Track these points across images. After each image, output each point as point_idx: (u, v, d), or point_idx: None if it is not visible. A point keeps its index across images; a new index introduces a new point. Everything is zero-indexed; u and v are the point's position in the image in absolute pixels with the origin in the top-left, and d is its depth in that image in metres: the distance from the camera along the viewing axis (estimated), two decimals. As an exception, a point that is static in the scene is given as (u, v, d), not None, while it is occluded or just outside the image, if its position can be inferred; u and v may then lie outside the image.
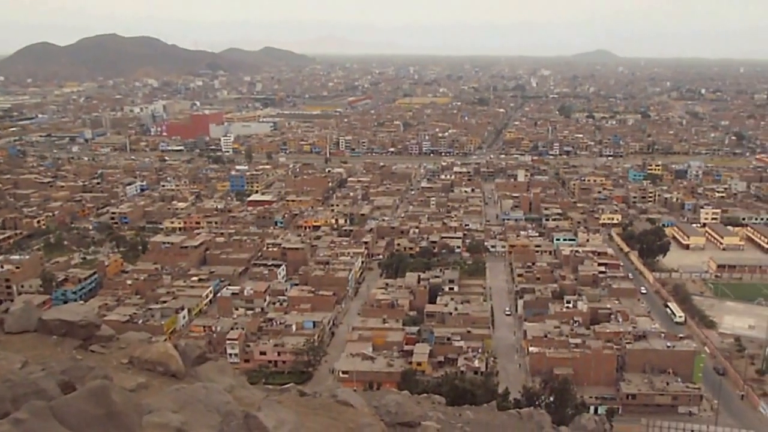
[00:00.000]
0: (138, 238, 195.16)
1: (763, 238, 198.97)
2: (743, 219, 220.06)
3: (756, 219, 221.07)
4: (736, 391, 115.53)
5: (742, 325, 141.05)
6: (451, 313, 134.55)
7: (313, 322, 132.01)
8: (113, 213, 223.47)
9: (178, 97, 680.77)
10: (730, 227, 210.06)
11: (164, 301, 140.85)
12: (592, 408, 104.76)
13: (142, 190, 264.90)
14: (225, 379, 14.12)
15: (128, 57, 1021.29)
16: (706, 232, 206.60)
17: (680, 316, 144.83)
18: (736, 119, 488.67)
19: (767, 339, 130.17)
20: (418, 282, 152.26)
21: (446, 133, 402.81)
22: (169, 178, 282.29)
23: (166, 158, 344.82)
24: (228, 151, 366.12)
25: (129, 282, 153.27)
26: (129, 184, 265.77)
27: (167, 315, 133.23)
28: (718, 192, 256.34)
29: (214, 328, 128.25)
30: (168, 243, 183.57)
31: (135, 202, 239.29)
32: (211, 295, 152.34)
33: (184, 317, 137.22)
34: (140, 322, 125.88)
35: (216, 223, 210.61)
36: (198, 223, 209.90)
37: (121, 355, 14.82)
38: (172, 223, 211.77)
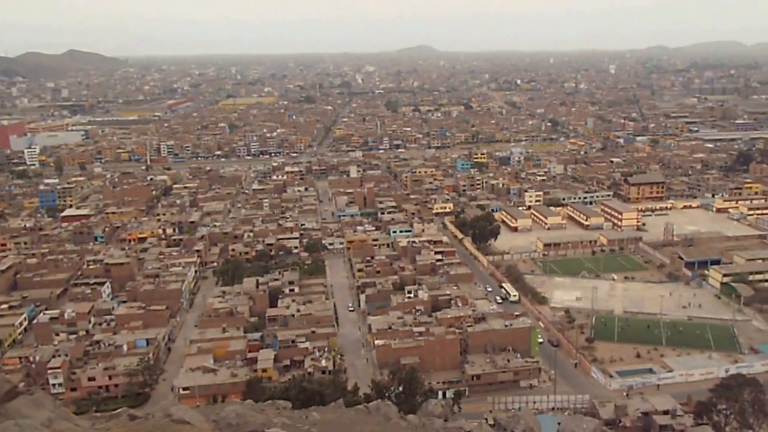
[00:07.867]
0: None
1: (581, 215, 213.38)
2: (563, 199, 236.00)
3: (574, 198, 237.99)
4: (569, 360, 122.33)
5: (570, 297, 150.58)
6: (293, 315, 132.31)
7: (147, 340, 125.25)
8: None
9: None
10: (552, 208, 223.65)
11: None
12: (440, 393, 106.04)
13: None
14: (42, 413, 12.70)
15: None
16: (532, 214, 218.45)
17: (514, 295, 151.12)
18: (550, 107, 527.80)
19: (593, 309, 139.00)
20: (257, 287, 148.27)
21: (274, 133, 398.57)
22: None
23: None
24: (34, 165, 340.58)
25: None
26: None
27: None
28: (539, 176, 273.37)
29: (32, 359, 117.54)
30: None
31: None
32: (25, 323, 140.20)
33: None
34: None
35: (25, 243, 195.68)
36: (4, 245, 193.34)
37: None
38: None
